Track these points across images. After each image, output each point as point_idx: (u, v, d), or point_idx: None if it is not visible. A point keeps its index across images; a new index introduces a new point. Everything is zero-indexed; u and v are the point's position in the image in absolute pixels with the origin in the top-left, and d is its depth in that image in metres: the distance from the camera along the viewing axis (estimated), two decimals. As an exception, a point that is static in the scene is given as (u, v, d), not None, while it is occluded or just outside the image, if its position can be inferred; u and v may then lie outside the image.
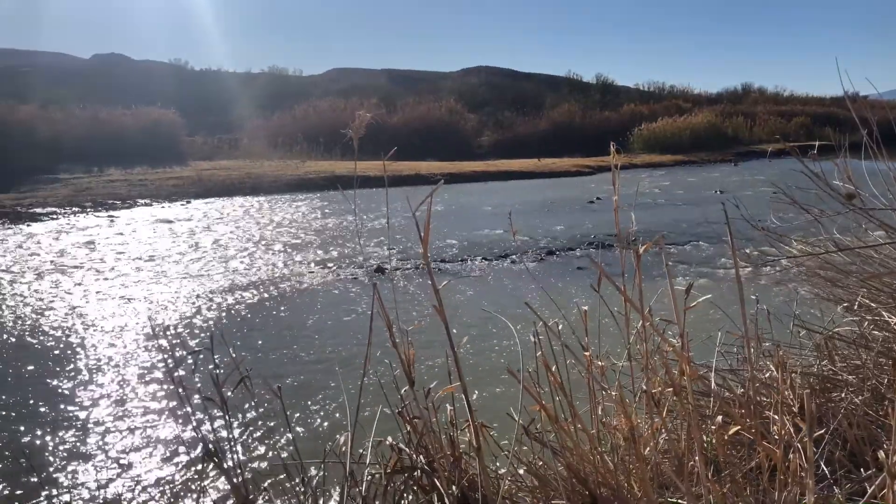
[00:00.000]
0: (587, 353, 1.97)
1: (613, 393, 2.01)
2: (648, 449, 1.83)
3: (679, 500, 1.87)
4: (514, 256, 11.53)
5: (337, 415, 5.15)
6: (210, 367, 1.82)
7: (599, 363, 1.99)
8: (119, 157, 28.23)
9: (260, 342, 7.09)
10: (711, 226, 13.08)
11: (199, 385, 2.08)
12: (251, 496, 1.80)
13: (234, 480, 1.77)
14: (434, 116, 43.39)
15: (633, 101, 53.05)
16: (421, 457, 2.18)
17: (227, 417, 1.77)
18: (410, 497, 2.27)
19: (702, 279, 9.23)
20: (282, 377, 5.94)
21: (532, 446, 2.08)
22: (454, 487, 2.01)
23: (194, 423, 1.86)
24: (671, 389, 1.69)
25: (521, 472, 2.15)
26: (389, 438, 2.17)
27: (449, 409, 2.20)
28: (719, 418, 1.81)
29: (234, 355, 1.95)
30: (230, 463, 1.83)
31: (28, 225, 16.96)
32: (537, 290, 8.29)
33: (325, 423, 5.00)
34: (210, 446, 1.82)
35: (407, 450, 2.28)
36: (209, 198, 21.91)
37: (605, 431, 2.00)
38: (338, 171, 27.51)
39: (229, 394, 1.80)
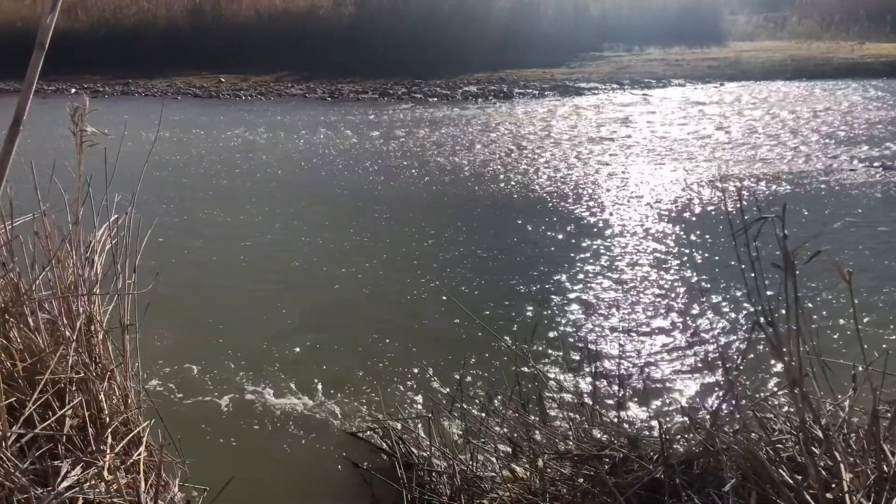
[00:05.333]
0: None
1: None
2: None
3: None
4: None
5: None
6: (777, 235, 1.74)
7: None
8: (659, 36, 28.70)
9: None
10: None
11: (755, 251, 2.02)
12: (803, 375, 1.71)
13: (785, 357, 1.70)
14: None
15: None
16: None
17: (791, 289, 1.69)
18: None
19: None
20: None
21: None
22: None
23: (754, 288, 1.83)
24: None
25: None
26: None
27: None
28: None
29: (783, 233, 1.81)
30: (783, 338, 1.77)
31: (574, 98, 18.85)
32: None
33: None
34: (763, 317, 1.78)
35: None
36: (744, 81, 20.89)
37: None
38: (905, 55, 23.10)
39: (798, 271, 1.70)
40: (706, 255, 6.18)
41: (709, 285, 5.43)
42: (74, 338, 2.61)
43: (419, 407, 3.84)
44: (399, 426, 3.50)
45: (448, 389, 3.94)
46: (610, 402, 3.63)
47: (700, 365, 4.12)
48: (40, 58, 1.16)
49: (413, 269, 5.98)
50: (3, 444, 2.03)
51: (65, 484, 2.08)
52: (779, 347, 1.73)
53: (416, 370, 4.24)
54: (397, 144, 12.29)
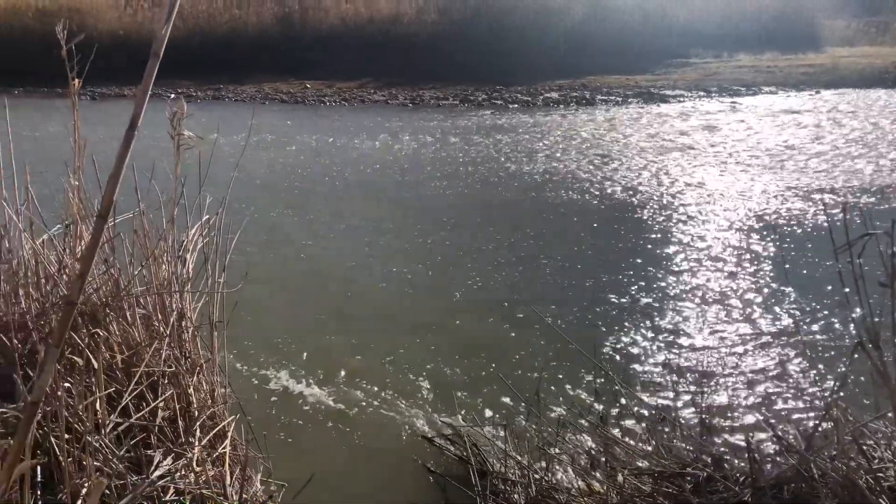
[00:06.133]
0: None
1: None
2: None
3: None
4: None
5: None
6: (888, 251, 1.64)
7: None
8: (749, 42, 27.72)
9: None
10: None
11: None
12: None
13: (890, 382, 1.60)
14: None
15: None
16: None
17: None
18: None
19: None
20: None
21: None
22: None
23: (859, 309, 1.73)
24: None
25: None
26: None
27: None
28: None
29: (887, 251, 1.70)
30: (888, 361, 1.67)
31: (658, 105, 18.42)
32: None
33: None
34: (867, 338, 1.68)
35: None
36: (842, 88, 19.93)
37: None
38: None
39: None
40: (802, 270, 5.91)
41: (805, 302, 5.19)
42: (168, 333, 2.73)
43: (494, 414, 3.82)
44: (473, 433, 3.49)
45: (523, 398, 3.90)
46: (693, 417, 3.52)
47: (794, 385, 3.94)
48: (155, 66, 1.21)
49: (481, 274, 5.98)
50: (103, 432, 2.14)
51: (157, 473, 2.18)
52: (883, 371, 1.64)
53: (489, 376, 4.22)
54: (473, 150, 12.31)
